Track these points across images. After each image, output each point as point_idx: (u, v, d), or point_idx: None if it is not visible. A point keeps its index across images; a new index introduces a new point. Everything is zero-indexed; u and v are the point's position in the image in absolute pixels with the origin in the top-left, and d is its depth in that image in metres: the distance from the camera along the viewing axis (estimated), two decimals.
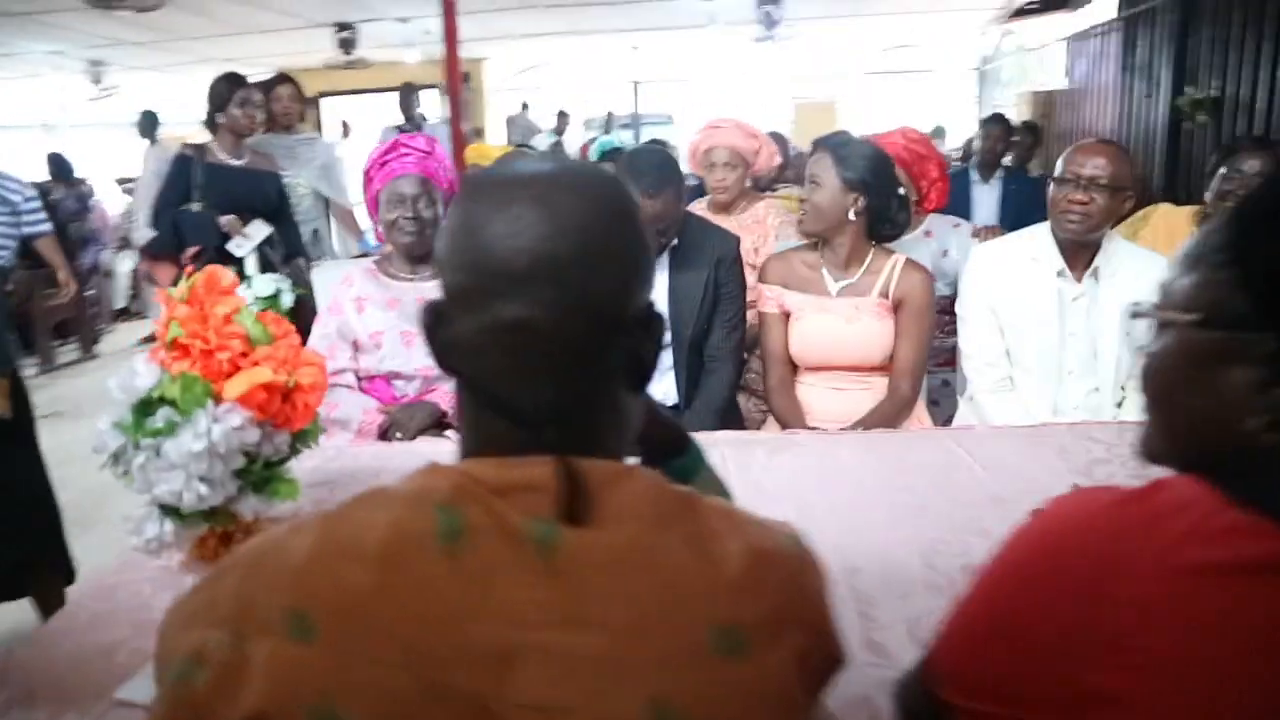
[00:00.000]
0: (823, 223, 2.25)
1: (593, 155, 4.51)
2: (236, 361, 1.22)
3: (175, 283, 1.30)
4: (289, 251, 3.30)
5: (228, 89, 3.26)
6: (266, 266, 3.09)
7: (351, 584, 0.61)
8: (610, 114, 9.96)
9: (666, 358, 2.36)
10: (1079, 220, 2.06)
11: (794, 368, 2.38)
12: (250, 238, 3.14)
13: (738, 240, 2.52)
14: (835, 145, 2.23)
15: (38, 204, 3.62)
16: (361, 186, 2.39)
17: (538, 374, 0.66)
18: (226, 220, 3.13)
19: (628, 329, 0.68)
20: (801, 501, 1.53)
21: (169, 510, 1.21)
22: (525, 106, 10.18)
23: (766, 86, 11.23)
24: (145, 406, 1.19)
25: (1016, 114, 7.16)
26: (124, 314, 7.97)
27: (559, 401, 0.66)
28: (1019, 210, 3.94)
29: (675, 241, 2.36)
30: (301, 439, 1.33)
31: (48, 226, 3.74)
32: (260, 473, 1.26)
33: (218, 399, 1.20)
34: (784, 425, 2.28)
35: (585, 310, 0.66)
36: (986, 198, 4.59)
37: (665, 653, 0.62)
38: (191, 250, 3.08)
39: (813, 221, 2.27)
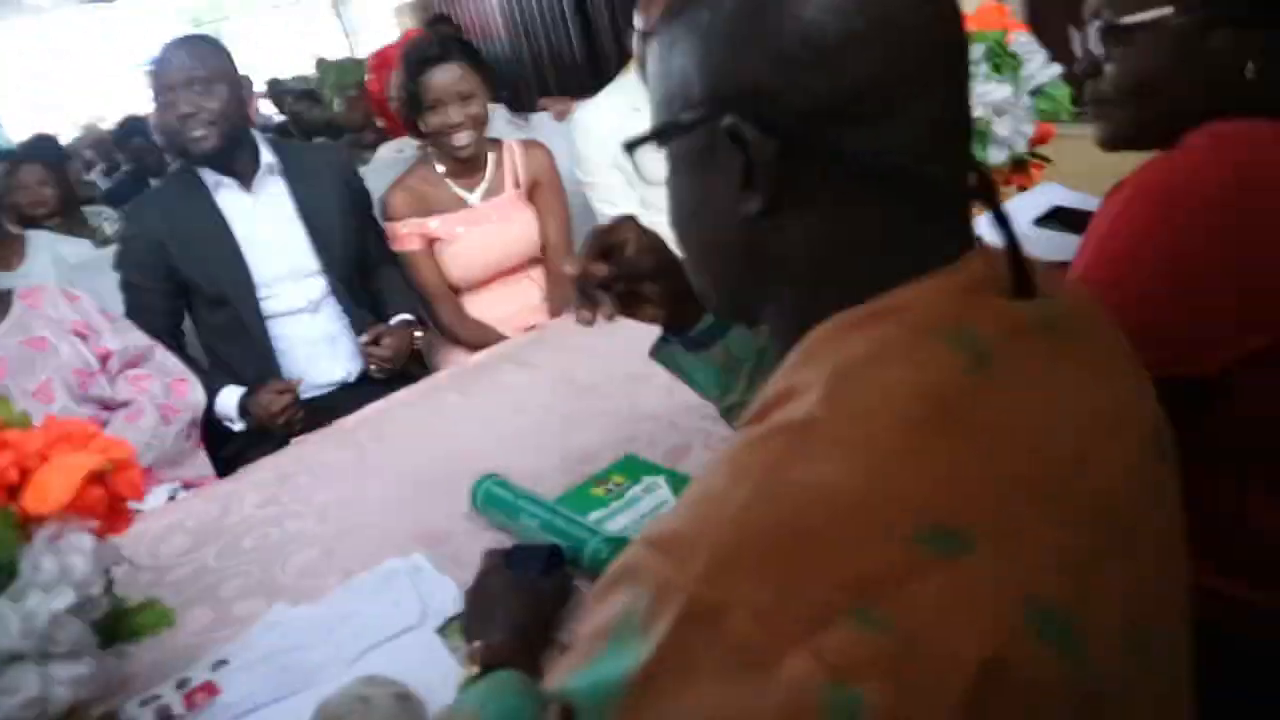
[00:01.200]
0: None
1: None
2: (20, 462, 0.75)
3: None
4: None
5: None
6: None
7: (950, 470, 0.45)
8: None
9: (321, 323, 2.00)
10: None
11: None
12: None
13: None
14: (467, 48, 2.06)
15: None
16: None
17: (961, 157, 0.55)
18: None
19: None
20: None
21: None
22: None
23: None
24: None
25: None
26: None
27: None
28: None
29: (273, 157, 1.95)
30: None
31: None
32: (119, 609, 0.82)
33: (25, 525, 0.74)
34: (480, 348, 2.12)
35: None
36: None
37: (1148, 404, 0.58)
38: None
39: (480, 139, 2.10)
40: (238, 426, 1.82)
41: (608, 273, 0.85)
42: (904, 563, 0.42)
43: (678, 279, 0.90)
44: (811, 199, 0.52)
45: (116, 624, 0.82)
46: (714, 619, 0.42)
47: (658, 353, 0.98)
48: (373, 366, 1.91)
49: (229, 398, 1.82)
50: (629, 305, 0.90)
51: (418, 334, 2.01)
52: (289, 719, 0.85)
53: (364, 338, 1.90)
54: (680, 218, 0.60)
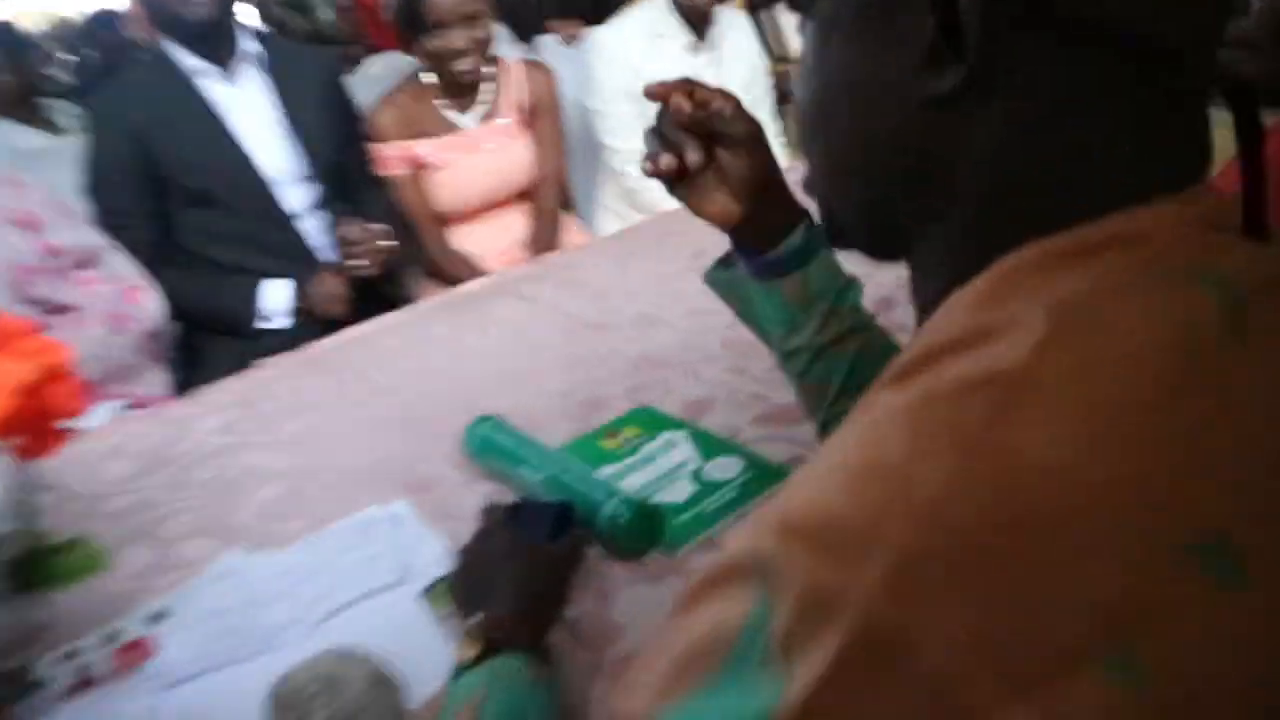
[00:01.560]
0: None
1: None
2: None
3: None
4: None
5: None
6: None
7: (1232, 458, 0.32)
8: None
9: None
10: None
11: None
12: None
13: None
14: None
15: None
16: None
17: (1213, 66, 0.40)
18: None
19: None
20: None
21: None
22: None
23: None
24: None
25: None
26: None
27: None
28: None
29: (256, 46, 1.74)
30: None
31: None
32: (40, 548, 0.67)
33: None
34: (459, 281, 1.96)
35: None
36: None
37: None
38: None
39: (485, 60, 1.95)
40: (279, 323, 1.70)
41: (689, 112, 0.70)
42: (1175, 587, 0.29)
43: (763, 169, 0.74)
44: (1022, 81, 0.37)
45: (35, 565, 0.68)
46: (897, 647, 0.29)
47: (715, 275, 0.82)
48: (350, 261, 1.67)
49: (277, 291, 1.70)
50: (698, 193, 0.74)
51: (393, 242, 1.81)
52: (237, 691, 0.71)
53: (341, 230, 1.70)
54: (827, 103, 0.44)
